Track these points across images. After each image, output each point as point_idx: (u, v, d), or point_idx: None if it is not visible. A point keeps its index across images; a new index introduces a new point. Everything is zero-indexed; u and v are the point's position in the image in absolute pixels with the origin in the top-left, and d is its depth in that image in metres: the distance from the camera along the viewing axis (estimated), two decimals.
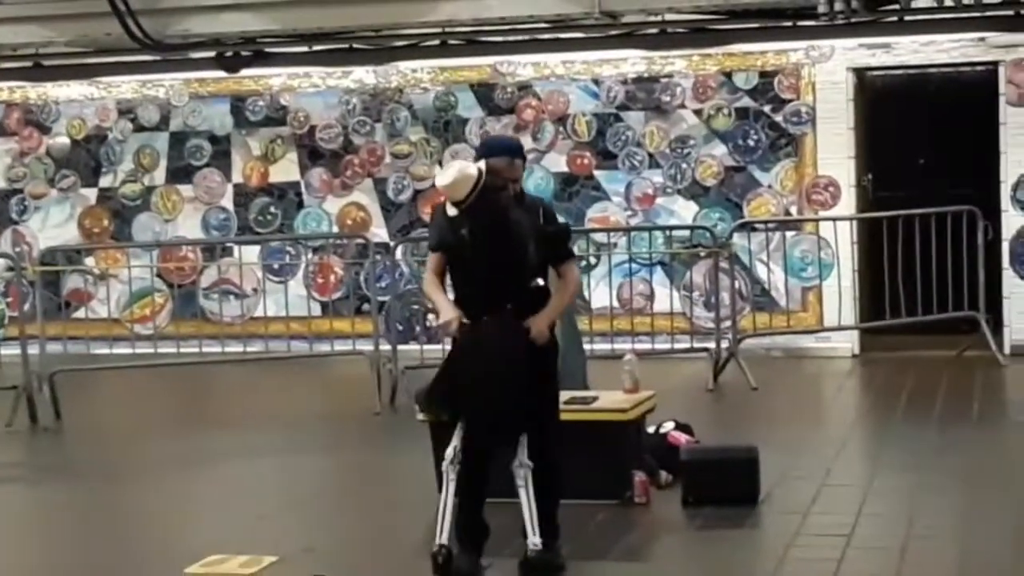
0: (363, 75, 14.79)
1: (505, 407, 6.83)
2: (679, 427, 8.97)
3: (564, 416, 7.64)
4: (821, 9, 11.43)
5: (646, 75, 14.20)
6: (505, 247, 6.85)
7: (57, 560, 7.76)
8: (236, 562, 7.24)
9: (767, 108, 13.93)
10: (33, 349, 11.97)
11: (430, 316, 13.78)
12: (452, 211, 6.89)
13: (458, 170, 6.86)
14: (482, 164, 6.92)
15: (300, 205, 15.13)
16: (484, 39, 13.07)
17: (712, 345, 12.67)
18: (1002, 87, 13.38)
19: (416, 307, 13.81)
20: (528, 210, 7.05)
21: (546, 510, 6.93)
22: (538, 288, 6.96)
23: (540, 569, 6.85)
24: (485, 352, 6.86)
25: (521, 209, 7.01)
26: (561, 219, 8.18)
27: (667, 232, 13.99)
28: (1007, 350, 13.13)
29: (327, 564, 6.59)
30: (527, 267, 6.94)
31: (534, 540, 6.82)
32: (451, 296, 7.16)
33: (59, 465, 10.49)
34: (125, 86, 15.37)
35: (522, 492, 6.85)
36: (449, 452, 6.94)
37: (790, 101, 13.86)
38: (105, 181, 15.64)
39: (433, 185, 14.07)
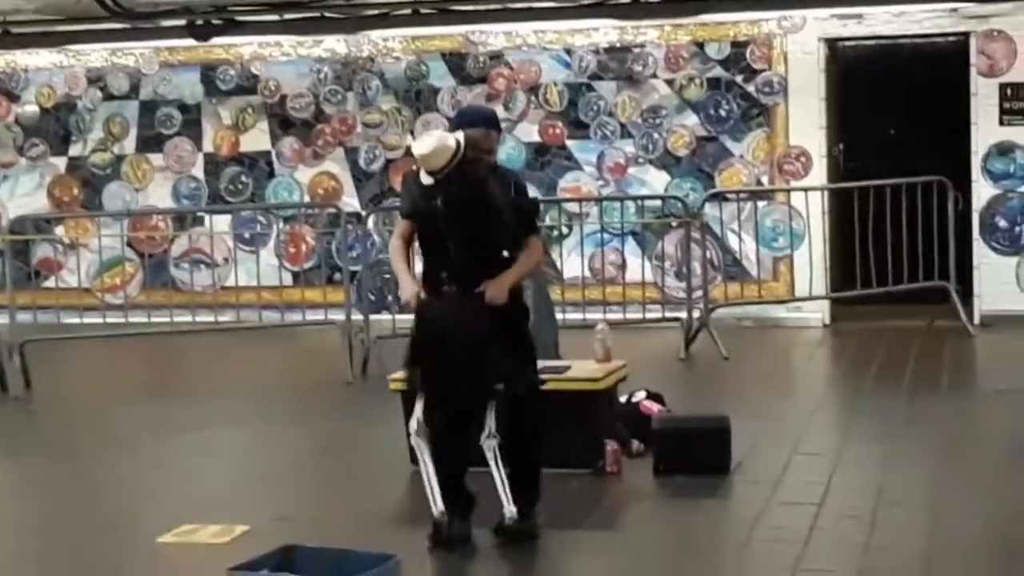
0: (334, 44, 14.73)
1: (471, 382, 6.88)
2: (651, 396, 9.00)
3: None
4: None
5: (618, 45, 14.18)
6: (481, 219, 6.89)
7: (28, 529, 7.76)
8: (208, 532, 7.25)
9: (739, 78, 13.93)
10: (3, 318, 11.95)
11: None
12: (427, 180, 6.90)
13: (437, 139, 6.88)
14: (460, 135, 6.92)
15: (271, 174, 15.08)
16: (456, 8, 13.04)
17: (684, 315, 12.70)
18: (973, 58, 13.40)
19: (388, 276, 13.76)
20: (501, 182, 7.06)
21: (526, 478, 7.02)
22: (506, 261, 6.98)
23: (515, 537, 6.90)
24: (449, 331, 6.90)
25: (496, 181, 7.02)
26: (532, 193, 8.22)
27: (639, 202, 13.99)
28: (977, 320, 13.20)
29: (299, 534, 6.59)
30: (501, 239, 6.96)
31: (510, 509, 6.88)
32: (419, 264, 7.19)
33: (29, 435, 10.47)
34: (95, 54, 15.28)
35: (492, 464, 6.91)
36: (413, 424, 7.01)
37: (762, 71, 13.86)
38: (75, 150, 15.56)
39: (405, 154, 14.22)
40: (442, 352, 6.93)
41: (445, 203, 6.88)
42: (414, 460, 8.15)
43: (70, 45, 14.75)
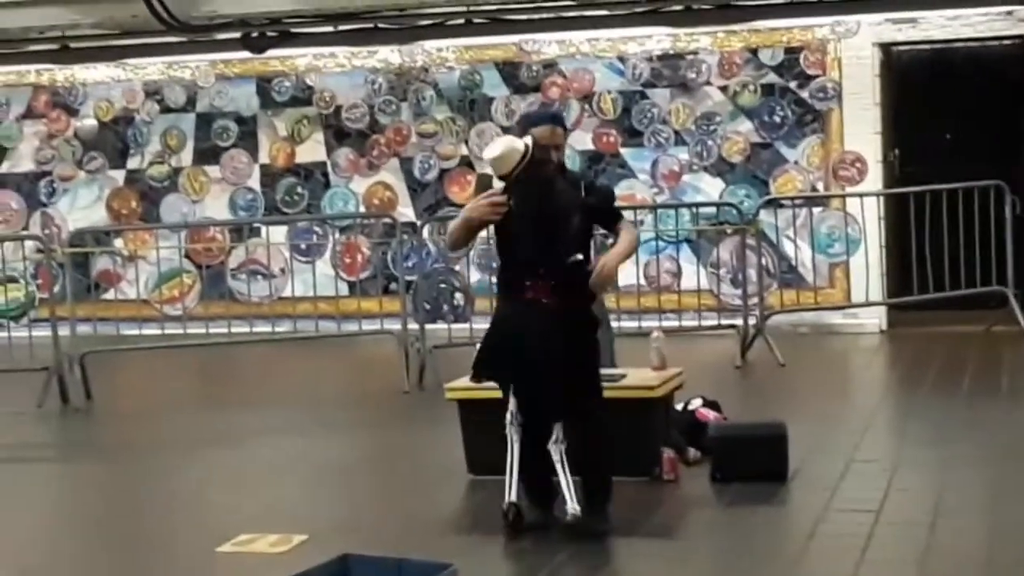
0: (388, 54, 14.81)
1: (547, 394, 7.06)
2: (707, 404, 8.99)
3: None
4: None
5: (671, 52, 14.19)
6: (550, 219, 7.05)
7: (89, 539, 7.82)
8: (266, 541, 7.29)
9: (793, 84, 13.91)
10: (63, 330, 12.03)
11: (457, 295, 13.81)
12: (498, 184, 7.13)
13: (505, 143, 7.11)
14: (528, 139, 7.05)
15: (327, 185, 15.17)
16: (509, 17, 13.08)
17: (739, 322, 12.68)
18: None
19: (443, 286, 13.81)
20: (571, 182, 7.20)
21: (600, 482, 7.20)
22: (577, 263, 7.06)
23: (581, 533, 7.03)
24: (526, 343, 7.04)
25: (564, 181, 7.14)
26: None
27: (693, 209, 13.99)
28: None
29: (356, 542, 6.62)
30: (570, 239, 7.06)
31: (573, 507, 7.03)
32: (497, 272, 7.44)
33: (90, 445, 10.55)
34: (152, 68, 15.43)
35: (558, 467, 7.09)
36: (508, 415, 7.19)
37: (816, 77, 13.83)
38: (132, 163, 15.72)
39: (460, 164, 14.31)
40: (514, 363, 7.13)
41: (516, 204, 7.04)
42: (471, 469, 8.23)
43: (127, 59, 14.90)
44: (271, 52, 13.94)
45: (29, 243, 14.61)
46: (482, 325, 7.75)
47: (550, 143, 7.18)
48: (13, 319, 14.92)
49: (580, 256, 7.11)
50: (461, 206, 11.61)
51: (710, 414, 8.82)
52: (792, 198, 13.73)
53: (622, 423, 7.94)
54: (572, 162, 14.21)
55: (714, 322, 13.16)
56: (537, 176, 7.03)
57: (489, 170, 7.31)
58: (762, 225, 13.21)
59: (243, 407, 11.53)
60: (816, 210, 13.71)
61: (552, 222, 7.05)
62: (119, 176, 15.74)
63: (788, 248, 13.77)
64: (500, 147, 7.04)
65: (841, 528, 7.15)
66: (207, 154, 15.48)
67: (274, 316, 13.67)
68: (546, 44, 14.40)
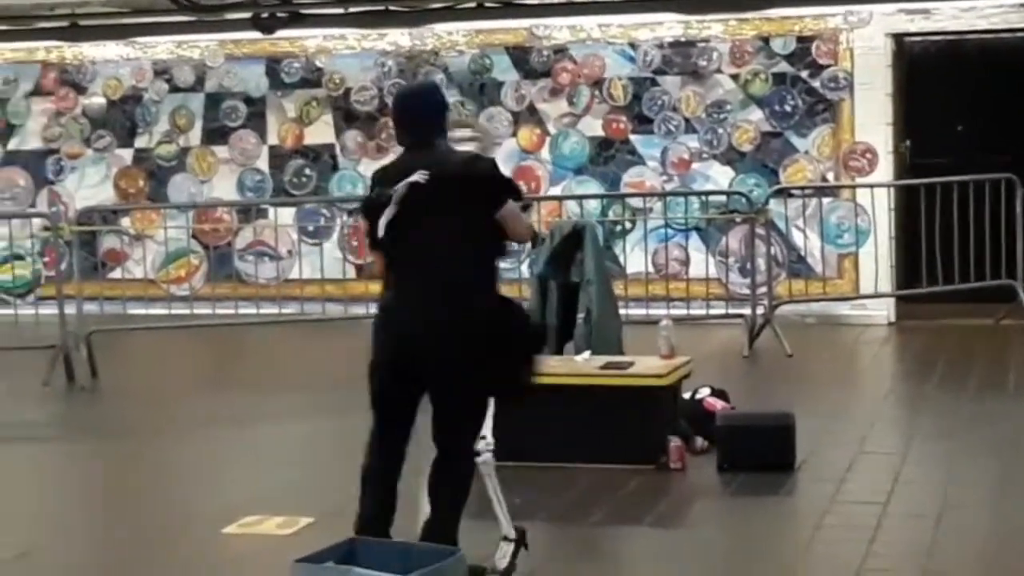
0: (399, 37, 14.76)
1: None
2: (715, 393, 8.96)
3: (601, 381, 7.69)
4: None
5: (683, 39, 14.14)
6: None
7: (94, 519, 7.82)
8: (272, 523, 7.29)
9: (804, 73, 13.86)
10: (70, 309, 12.03)
11: None
12: None
13: None
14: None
15: (335, 167, 15.13)
16: (520, 1, 13.05)
17: (747, 311, 12.64)
18: None
19: None
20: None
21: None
22: None
23: None
24: None
25: None
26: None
27: (703, 197, 13.95)
28: None
29: None
30: None
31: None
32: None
33: (96, 424, 10.54)
34: (161, 47, 15.39)
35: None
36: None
37: (828, 67, 13.78)
38: (140, 142, 15.68)
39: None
40: None
41: None
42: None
43: (137, 38, 14.86)
44: (281, 33, 13.89)
45: (36, 221, 14.58)
46: None
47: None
48: (20, 296, 14.94)
49: None
50: None
51: (717, 403, 8.81)
52: (802, 188, 13.71)
53: (629, 411, 7.96)
54: (581, 148, 14.26)
55: (722, 311, 13.15)
56: None
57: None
58: (771, 214, 13.17)
59: (249, 389, 11.51)
60: (826, 200, 13.67)
61: None
62: (127, 155, 15.71)
63: (797, 238, 13.74)
64: None
65: (848, 519, 7.14)
66: (215, 134, 15.44)
67: (281, 298, 13.66)
68: (557, 29, 14.35)
